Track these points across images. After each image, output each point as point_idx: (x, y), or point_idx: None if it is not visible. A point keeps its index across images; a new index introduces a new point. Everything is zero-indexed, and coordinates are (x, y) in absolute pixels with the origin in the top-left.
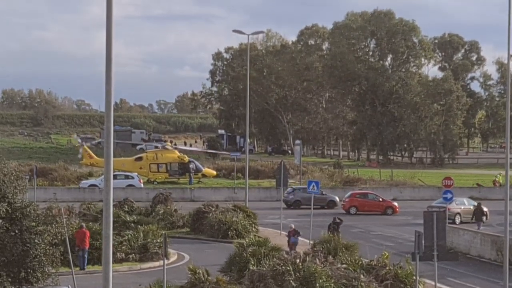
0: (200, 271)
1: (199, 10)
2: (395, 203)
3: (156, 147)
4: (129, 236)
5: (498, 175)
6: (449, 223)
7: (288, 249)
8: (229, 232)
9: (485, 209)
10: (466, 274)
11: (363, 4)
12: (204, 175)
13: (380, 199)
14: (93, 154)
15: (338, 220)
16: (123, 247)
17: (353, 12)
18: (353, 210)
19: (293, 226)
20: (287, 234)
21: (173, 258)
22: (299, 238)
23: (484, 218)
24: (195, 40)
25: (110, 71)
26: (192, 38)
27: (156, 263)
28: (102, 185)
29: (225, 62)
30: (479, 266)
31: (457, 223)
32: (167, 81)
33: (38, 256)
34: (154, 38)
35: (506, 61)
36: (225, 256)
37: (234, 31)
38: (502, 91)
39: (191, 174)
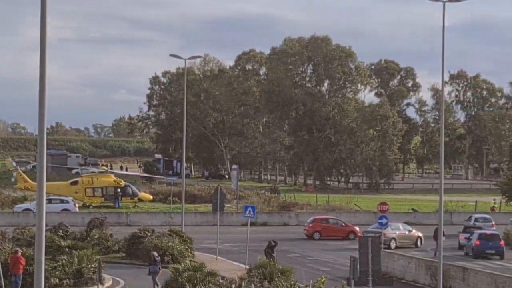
0: None
1: (136, 33)
2: (357, 228)
3: (92, 171)
4: (63, 261)
5: (493, 201)
6: (384, 248)
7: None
8: (164, 257)
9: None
10: None
11: (300, 30)
12: (140, 200)
13: (343, 224)
14: (27, 178)
15: (273, 243)
16: (57, 272)
17: (290, 38)
18: (316, 236)
19: (155, 254)
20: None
21: (108, 283)
22: (238, 263)
23: (444, 238)
24: (132, 64)
25: (43, 94)
26: (129, 61)
27: None
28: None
29: (162, 86)
30: None
31: (392, 248)
32: (103, 104)
33: None
34: (90, 61)
35: (440, 88)
36: (160, 282)
37: (171, 55)
38: (437, 117)
39: (118, 198)
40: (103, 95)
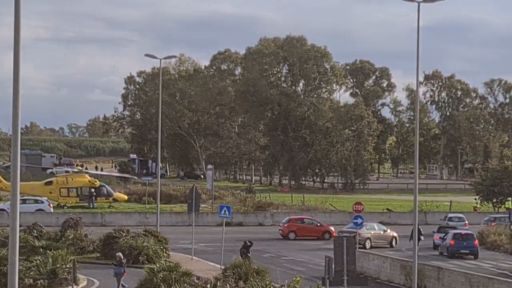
0: None
1: (111, 33)
2: (332, 228)
3: (67, 171)
4: (38, 261)
5: (475, 201)
6: (359, 248)
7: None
8: (140, 257)
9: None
10: None
11: (275, 30)
12: (115, 200)
13: (318, 224)
14: (1, 178)
15: (248, 243)
16: (31, 273)
17: (265, 38)
18: (292, 236)
19: (121, 255)
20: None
21: (82, 283)
22: (213, 263)
23: (422, 237)
24: (107, 64)
25: (17, 94)
26: (104, 61)
27: None
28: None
29: (137, 86)
30: None
31: (367, 248)
32: (78, 104)
33: None
34: (65, 61)
35: (415, 88)
36: (135, 282)
37: (147, 55)
38: (412, 117)
39: (92, 197)
40: (78, 95)
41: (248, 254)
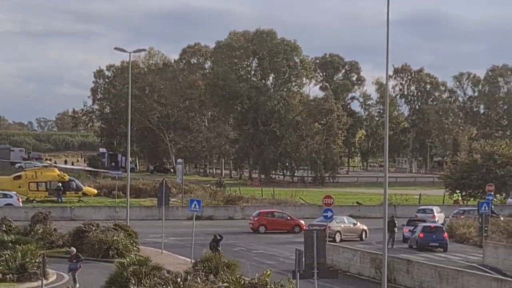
0: None
1: (80, 27)
2: (302, 221)
3: (36, 165)
4: (7, 256)
5: (456, 194)
6: (329, 241)
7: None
8: (109, 251)
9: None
10: None
11: (245, 24)
12: (84, 194)
13: (288, 218)
14: None
15: (218, 237)
16: (0, 267)
17: (235, 32)
18: (262, 229)
19: (74, 250)
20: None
21: (52, 278)
22: (183, 257)
23: (396, 229)
24: (75, 57)
25: None
26: (72, 55)
27: (35, 283)
28: None
29: (106, 80)
30: (359, 284)
31: (337, 241)
32: (47, 98)
33: None
34: (33, 54)
35: (384, 82)
36: (105, 276)
37: (116, 48)
38: (381, 111)
39: (60, 192)
40: (46, 89)
41: (218, 248)
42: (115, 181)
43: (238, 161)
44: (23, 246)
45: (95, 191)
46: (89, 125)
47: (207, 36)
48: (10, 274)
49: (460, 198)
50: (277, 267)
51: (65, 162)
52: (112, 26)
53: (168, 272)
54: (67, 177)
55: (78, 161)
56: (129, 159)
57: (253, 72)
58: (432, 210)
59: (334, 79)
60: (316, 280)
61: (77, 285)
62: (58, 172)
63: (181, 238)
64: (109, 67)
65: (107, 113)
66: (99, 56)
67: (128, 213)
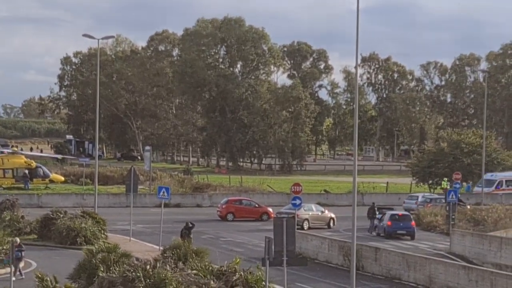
0: (48, 279)
1: (46, 13)
2: (270, 209)
3: (2, 152)
4: None
5: (444, 181)
6: (297, 229)
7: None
8: (77, 239)
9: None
10: (314, 279)
11: (213, 11)
12: (52, 181)
13: (256, 205)
14: None
15: (190, 225)
16: None
17: (203, 19)
18: (230, 217)
19: (18, 240)
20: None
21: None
22: (151, 244)
23: (377, 216)
24: (41, 44)
25: None
26: (38, 41)
27: (3, 271)
28: None
29: (73, 67)
30: (327, 271)
31: (305, 229)
32: (12, 85)
33: None
34: None
35: (352, 70)
36: (73, 263)
37: (84, 35)
38: (349, 99)
39: (27, 179)
40: (11, 75)
41: (190, 236)
42: (83, 168)
43: (205, 148)
44: None
45: (62, 178)
46: (56, 112)
47: (175, 23)
48: None
49: (448, 187)
50: (245, 254)
51: (31, 149)
52: (78, 12)
53: (137, 259)
54: (34, 164)
55: (37, 148)
56: (97, 146)
57: (221, 60)
58: (417, 197)
59: (302, 67)
60: (285, 268)
61: (23, 277)
62: (25, 159)
63: (149, 225)
64: (76, 54)
65: (74, 100)
66: (65, 43)
67: (96, 200)
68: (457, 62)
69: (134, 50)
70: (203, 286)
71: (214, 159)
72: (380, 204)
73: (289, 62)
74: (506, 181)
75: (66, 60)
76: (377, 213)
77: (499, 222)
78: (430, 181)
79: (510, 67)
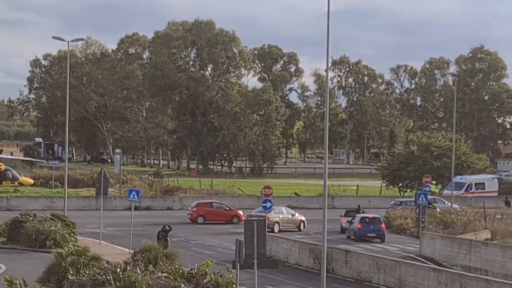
0: (17, 282)
1: (15, 15)
2: (241, 212)
3: None
4: None
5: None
6: (268, 232)
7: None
8: (47, 242)
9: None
10: (284, 282)
11: (184, 14)
12: (21, 184)
13: (227, 208)
14: None
15: (167, 228)
16: None
17: (174, 22)
18: (200, 220)
19: None
20: None
21: None
22: (121, 247)
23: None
24: (10, 46)
25: None
26: (7, 43)
27: None
28: None
29: (43, 69)
30: (297, 274)
31: (276, 231)
32: None
33: None
34: None
35: (322, 73)
36: (43, 266)
37: (54, 37)
38: (319, 102)
39: None
40: None
41: (167, 239)
42: (52, 171)
43: (176, 151)
44: None
45: (32, 181)
46: (25, 115)
47: (146, 26)
48: None
49: (436, 191)
50: (216, 257)
51: (0, 151)
52: (48, 15)
53: (107, 262)
54: (3, 167)
55: (13, 152)
56: (67, 149)
57: (191, 63)
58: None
59: (273, 70)
60: (256, 270)
61: None
62: None
63: (119, 228)
64: (46, 56)
65: (43, 102)
66: (35, 45)
67: (66, 203)
68: (427, 66)
69: (104, 52)
70: None
71: (184, 162)
72: (350, 207)
73: (259, 65)
74: (475, 184)
75: (35, 63)
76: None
77: (468, 225)
78: (400, 184)
79: (479, 71)
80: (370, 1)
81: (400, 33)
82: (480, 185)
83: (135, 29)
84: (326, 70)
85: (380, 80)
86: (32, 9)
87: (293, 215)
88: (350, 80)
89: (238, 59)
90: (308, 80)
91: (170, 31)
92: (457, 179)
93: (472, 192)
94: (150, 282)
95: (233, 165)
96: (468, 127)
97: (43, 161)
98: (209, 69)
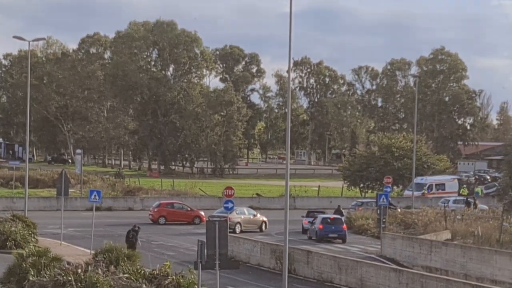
0: None
1: None
2: (202, 213)
3: None
4: None
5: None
6: (229, 232)
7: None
8: (7, 243)
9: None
10: (246, 282)
11: (146, 14)
12: None
13: (188, 209)
14: None
15: (137, 228)
16: None
17: (135, 22)
18: (162, 220)
19: None
20: None
21: None
22: (82, 248)
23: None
24: None
25: None
26: None
27: None
28: None
29: (3, 69)
30: (259, 275)
31: (237, 232)
32: None
33: None
34: None
35: (284, 74)
36: (3, 267)
37: (15, 37)
38: (281, 103)
39: None
40: None
41: (138, 238)
42: (13, 171)
43: (137, 152)
44: None
45: None
46: None
47: (107, 26)
48: None
49: (425, 192)
50: (177, 258)
51: None
52: (9, 14)
53: (69, 263)
54: None
55: None
56: (28, 149)
57: (153, 63)
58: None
59: (234, 70)
60: (218, 271)
61: None
62: None
63: (80, 229)
64: (6, 56)
65: (4, 102)
66: None
67: (26, 204)
68: (388, 67)
69: (65, 52)
70: None
71: (145, 162)
72: (312, 208)
73: (221, 65)
74: (436, 185)
75: None
76: (344, 214)
77: (429, 226)
78: (362, 185)
79: (440, 72)
80: (332, 2)
81: (362, 34)
82: (441, 186)
83: (96, 29)
84: (288, 71)
85: (341, 81)
86: None
87: (254, 215)
88: (312, 81)
89: (200, 60)
90: (270, 80)
91: (131, 31)
92: (418, 180)
93: (433, 193)
94: (112, 283)
95: (195, 165)
96: (428, 128)
97: (3, 160)
98: (170, 69)
